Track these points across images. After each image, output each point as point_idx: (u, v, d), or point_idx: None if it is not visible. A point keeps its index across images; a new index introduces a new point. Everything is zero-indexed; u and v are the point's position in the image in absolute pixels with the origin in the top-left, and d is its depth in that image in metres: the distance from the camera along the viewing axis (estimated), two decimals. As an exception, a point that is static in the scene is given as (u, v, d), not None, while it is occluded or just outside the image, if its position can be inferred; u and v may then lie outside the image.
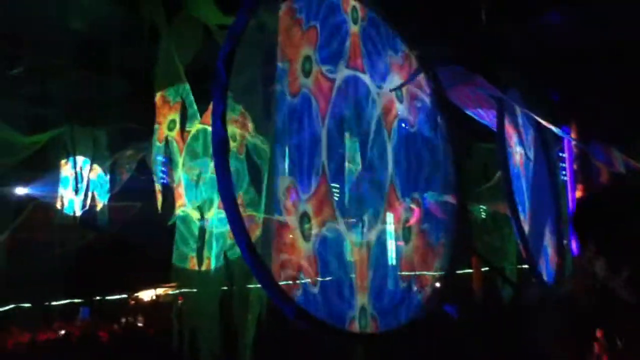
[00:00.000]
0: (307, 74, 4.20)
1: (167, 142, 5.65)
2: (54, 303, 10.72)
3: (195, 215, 5.61)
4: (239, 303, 5.39)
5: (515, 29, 5.94)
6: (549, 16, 5.97)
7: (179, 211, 5.65)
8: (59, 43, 6.33)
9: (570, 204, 6.49)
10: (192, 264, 5.58)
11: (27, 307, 10.31)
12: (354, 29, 4.64)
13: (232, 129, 5.38)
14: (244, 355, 5.27)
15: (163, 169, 6.59)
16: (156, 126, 5.66)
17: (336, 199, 4.57)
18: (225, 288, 5.79)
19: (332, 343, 4.75)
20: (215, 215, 5.48)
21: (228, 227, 5.25)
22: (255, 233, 4.53)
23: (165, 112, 5.65)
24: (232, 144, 5.40)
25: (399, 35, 4.97)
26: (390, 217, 5.00)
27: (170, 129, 5.68)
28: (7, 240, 8.27)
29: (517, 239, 5.50)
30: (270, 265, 3.67)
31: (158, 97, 5.57)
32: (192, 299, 5.99)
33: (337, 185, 4.67)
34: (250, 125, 5.29)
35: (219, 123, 3.60)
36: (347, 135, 4.65)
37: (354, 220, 4.63)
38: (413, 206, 5.13)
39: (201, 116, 5.62)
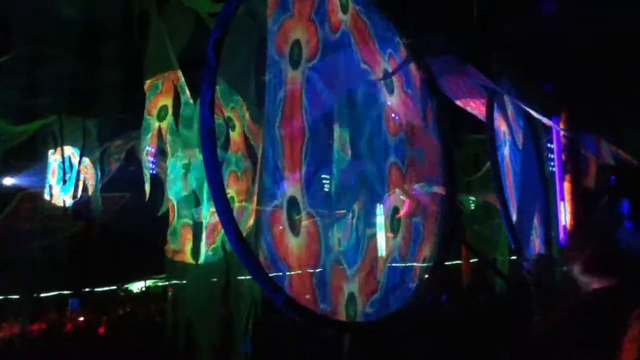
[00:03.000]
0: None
1: (159, 131, 5.59)
2: (43, 294, 10.67)
3: (186, 205, 5.58)
4: (233, 294, 5.39)
5: (508, 18, 5.93)
6: (542, 5, 5.97)
7: (170, 201, 5.61)
8: (48, 31, 6.25)
9: (559, 195, 6.53)
10: (185, 256, 5.55)
11: (16, 298, 10.26)
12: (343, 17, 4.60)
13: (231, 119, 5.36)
14: (238, 346, 5.27)
15: (151, 158, 6.54)
16: (146, 114, 5.59)
17: (325, 189, 4.56)
18: (215, 280, 5.78)
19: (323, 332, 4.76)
20: (206, 205, 5.45)
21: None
22: (249, 223, 4.51)
23: (155, 100, 5.60)
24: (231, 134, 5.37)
25: (391, 23, 4.95)
26: (380, 208, 5.00)
27: (161, 117, 5.62)
28: (-5, 230, 8.21)
29: (506, 229, 5.54)
30: (260, 256, 3.66)
31: (147, 84, 5.51)
32: (182, 291, 5.98)
33: (327, 176, 4.66)
34: (247, 113, 5.26)
35: (207, 111, 3.55)
36: (336, 124, 4.63)
37: (343, 211, 4.63)
38: (403, 197, 5.14)
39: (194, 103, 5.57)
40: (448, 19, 5.94)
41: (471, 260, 10.20)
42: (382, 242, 4.92)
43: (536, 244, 6.05)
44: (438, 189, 5.37)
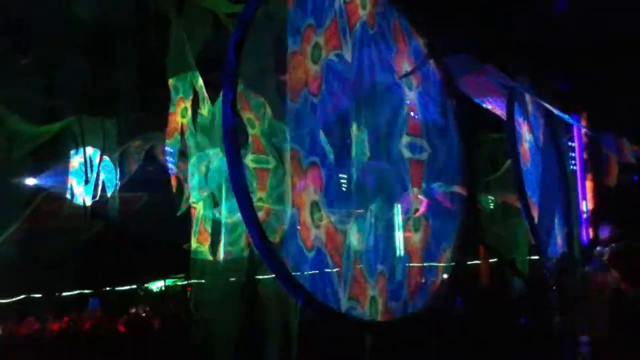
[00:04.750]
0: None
1: (181, 130, 5.63)
2: (64, 293, 10.80)
3: (207, 204, 5.60)
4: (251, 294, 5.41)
5: (526, 17, 5.89)
6: (558, 4, 5.92)
7: (192, 201, 5.64)
8: (69, 33, 6.33)
9: (580, 193, 6.45)
10: (207, 254, 5.57)
11: (38, 297, 10.40)
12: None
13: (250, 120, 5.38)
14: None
15: (171, 159, 6.57)
16: (170, 115, 5.64)
17: (343, 189, 4.57)
18: (233, 279, 5.79)
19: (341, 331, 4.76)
20: (225, 204, 5.47)
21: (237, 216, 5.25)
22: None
23: (178, 100, 5.64)
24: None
25: (409, 23, 4.95)
26: (399, 207, 4.99)
27: (183, 117, 5.66)
28: (18, 230, 8.31)
29: (526, 229, 5.48)
30: (281, 254, 3.69)
31: (171, 84, 5.56)
32: (202, 290, 6.01)
33: (345, 176, 4.66)
34: (268, 112, 5.27)
35: (229, 110, 3.60)
36: (354, 125, 4.63)
37: (361, 210, 4.62)
38: (421, 196, 5.12)
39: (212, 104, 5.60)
40: (464, 17, 5.91)
41: (490, 260, 10.10)
42: (400, 242, 4.92)
43: (558, 244, 5.99)
44: (457, 189, 5.35)
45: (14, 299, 10.06)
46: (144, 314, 9.98)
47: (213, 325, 5.37)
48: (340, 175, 4.59)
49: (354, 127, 4.61)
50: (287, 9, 4.01)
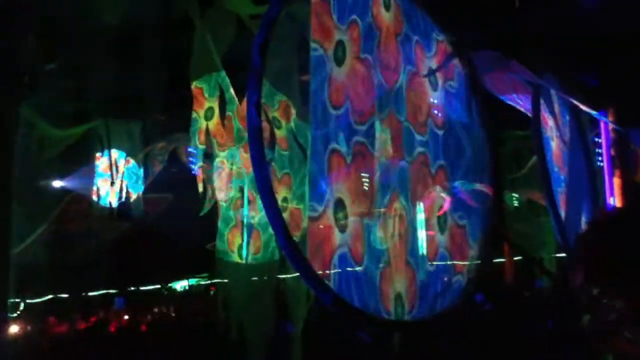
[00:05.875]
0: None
1: (207, 131, 5.66)
2: (90, 293, 10.99)
3: (232, 205, 5.63)
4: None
5: (552, 12, 5.80)
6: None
7: (218, 201, 5.67)
8: (93, 37, 6.42)
9: (608, 190, 6.33)
10: (232, 255, 5.60)
11: (65, 297, 10.60)
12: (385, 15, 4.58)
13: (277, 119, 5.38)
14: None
15: (194, 160, 6.63)
16: (194, 115, 5.67)
17: (365, 188, 4.54)
18: (257, 278, 5.82)
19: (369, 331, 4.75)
20: (247, 205, 5.50)
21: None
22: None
23: (202, 101, 5.67)
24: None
25: (433, 20, 4.90)
26: (422, 205, 4.95)
27: (208, 118, 5.69)
28: (45, 232, 8.46)
29: (554, 227, 5.40)
30: (307, 254, 3.67)
31: (194, 86, 5.59)
32: (227, 289, 6.04)
33: (367, 174, 4.64)
34: (293, 112, 5.28)
35: (254, 111, 3.59)
36: (378, 121, 4.60)
37: (384, 208, 4.60)
38: (445, 194, 5.08)
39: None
40: (488, 13, 5.84)
41: (515, 259, 10.01)
42: (424, 240, 4.88)
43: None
44: (481, 187, 5.29)
45: (42, 299, 10.25)
46: (172, 314, 10.09)
47: (245, 325, 5.38)
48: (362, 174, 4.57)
49: (377, 126, 4.59)
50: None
